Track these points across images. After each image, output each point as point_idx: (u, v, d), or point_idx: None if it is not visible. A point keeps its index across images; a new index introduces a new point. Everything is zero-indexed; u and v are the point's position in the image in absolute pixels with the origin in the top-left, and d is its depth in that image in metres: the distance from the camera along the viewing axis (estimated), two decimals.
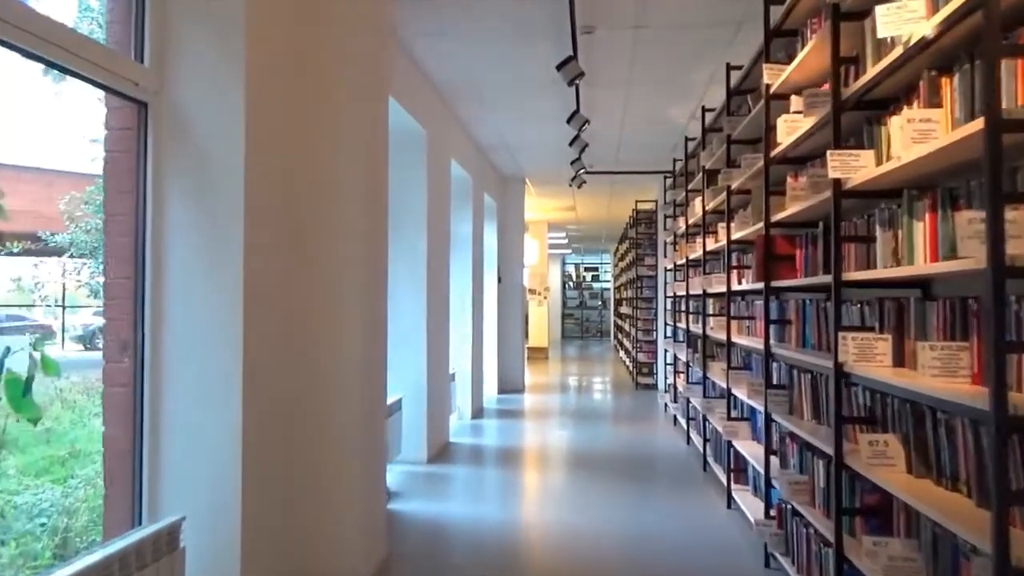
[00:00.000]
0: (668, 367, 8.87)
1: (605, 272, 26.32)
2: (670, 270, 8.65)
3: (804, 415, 3.48)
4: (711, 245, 5.79)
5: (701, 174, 5.96)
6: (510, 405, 9.48)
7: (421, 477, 5.67)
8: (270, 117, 3.20)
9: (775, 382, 3.86)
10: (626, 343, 14.57)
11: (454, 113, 7.14)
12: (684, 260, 7.11)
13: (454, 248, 8.19)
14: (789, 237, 3.76)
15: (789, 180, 3.54)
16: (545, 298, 17.15)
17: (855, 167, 2.62)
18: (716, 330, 5.33)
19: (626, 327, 14.52)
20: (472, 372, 8.32)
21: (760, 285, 3.95)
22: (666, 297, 8.92)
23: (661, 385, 10.82)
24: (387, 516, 4.59)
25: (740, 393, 4.58)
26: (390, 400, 5.53)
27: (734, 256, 4.94)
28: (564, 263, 26.13)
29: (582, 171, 8.14)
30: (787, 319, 3.80)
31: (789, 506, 3.48)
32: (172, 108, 2.94)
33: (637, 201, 11.24)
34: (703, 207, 5.89)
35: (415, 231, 6.05)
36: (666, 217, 9.00)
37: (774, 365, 3.93)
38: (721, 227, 5.18)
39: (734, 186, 4.73)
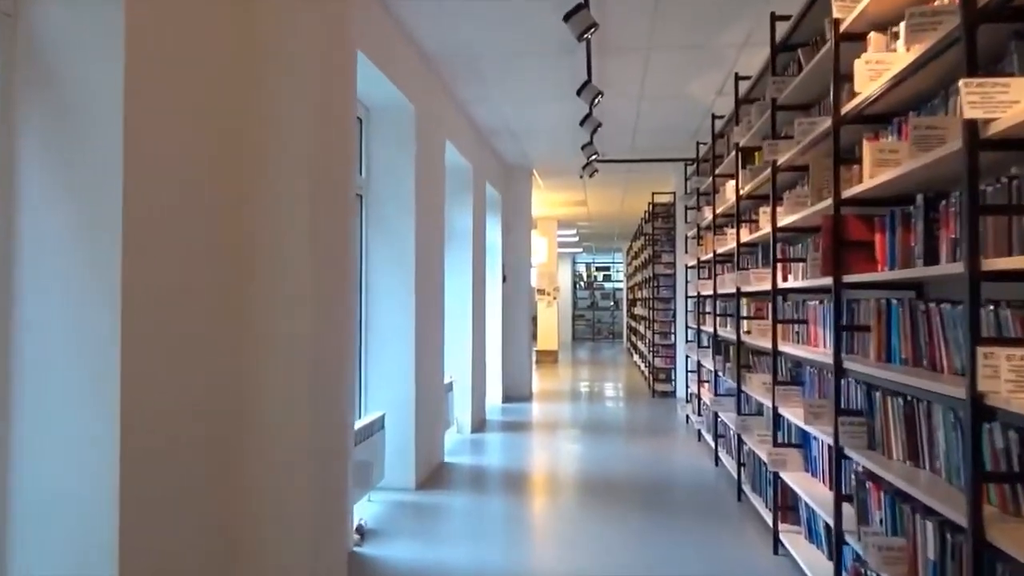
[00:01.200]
0: (690, 374, 8.01)
1: (617, 272, 25.44)
2: (692, 267, 7.79)
3: (892, 453, 2.63)
4: (747, 236, 4.94)
5: (733, 153, 5.11)
6: (516, 416, 8.64)
7: (407, 509, 4.84)
8: (167, 47, 2.37)
9: (846, 405, 3.01)
10: (640, 346, 13.71)
11: (449, 90, 6.32)
12: (710, 255, 6.25)
13: (451, 242, 7.37)
14: (865, 218, 2.90)
15: (867, 144, 2.68)
16: (554, 298, 16.31)
17: (1003, 103, 1.77)
18: (756, 336, 4.48)
19: (640, 329, 13.66)
20: (473, 381, 7.50)
21: (823, 281, 3.10)
22: (687, 297, 8.06)
23: (680, 392, 9.95)
24: (354, 563, 3.76)
25: (791, 414, 3.72)
26: (370, 418, 4.71)
27: (779, 248, 4.09)
28: (575, 262, 25.27)
29: (594, 157, 7.29)
30: (862, 325, 2.95)
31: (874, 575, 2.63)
32: (27, 25, 2.13)
33: (654, 193, 10.39)
34: (736, 192, 5.04)
35: (402, 220, 5.23)
36: (687, 209, 8.15)
37: (843, 382, 3.08)
38: (763, 212, 4.33)
39: (781, 161, 3.88)
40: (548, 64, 5.57)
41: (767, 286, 4.21)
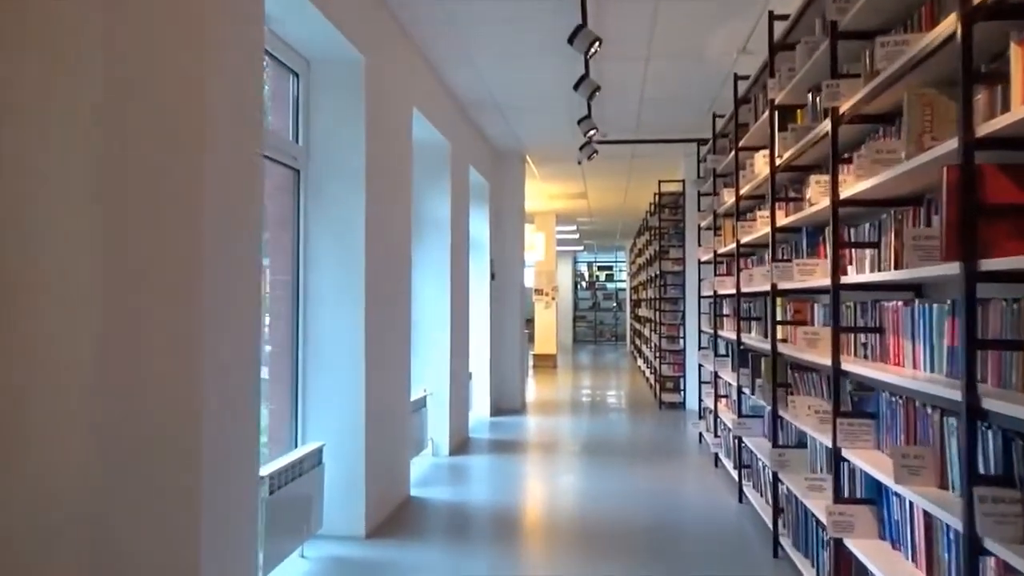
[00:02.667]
0: (704, 385, 6.94)
1: (620, 271, 24.37)
2: (707, 262, 6.72)
3: None
4: (786, 218, 3.87)
5: (766, 114, 4.03)
6: (504, 433, 7.57)
7: (351, 568, 3.78)
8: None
9: (984, 467, 1.93)
10: (645, 351, 12.63)
11: (416, 45, 5.26)
12: (732, 246, 5.19)
13: (424, 234, 6.31)
14: (1015, 169, 1.83)
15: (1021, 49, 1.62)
16: (553, 299, 15.24)
17: None
18: (801, 347, 3.40)
19: (645, 332, 12.59)
20: (452, 394, 6.43)
21: (937, 269, 2.03)
22: (700, 297, 7.00)
23: (691, 404, 8.87)
24: None
25: (860, 459, 2.66)
26: (299, 452, 3.65)
27: (843, 230, 3.02)
28: (576, 261, 24.20)
29: (592, 134, 6.23)
30: (1011, 340, 1.89)
31: None
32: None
33: (660, 182, 9.32)
34: (771, 163, 3.97)
35: (349, 202, 4.17)
36: (700, 196, 7.08)
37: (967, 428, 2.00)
38: (816, 183, 3.26)
39: (847, 106, 2.81)
40: (535, 19, 4.52)
41: (822, 281, 3.14)
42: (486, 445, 6.90)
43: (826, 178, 3.09)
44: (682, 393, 9.12)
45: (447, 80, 6.00)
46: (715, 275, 5.98)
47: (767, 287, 4.10)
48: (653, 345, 10.80)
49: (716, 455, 5.97)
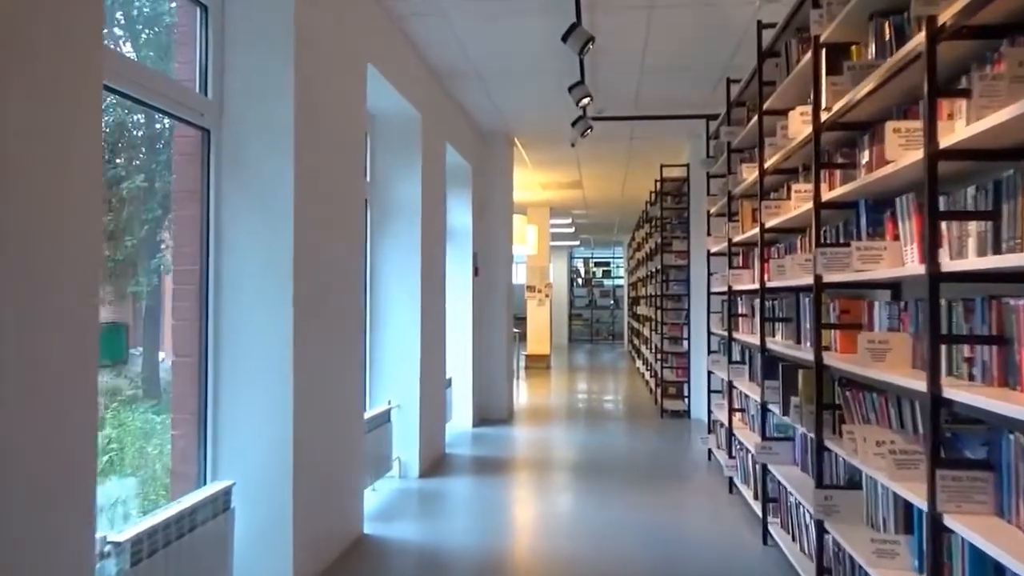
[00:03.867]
0: (714, 395, 6.06)
1: (618, 268, 23.49)
2: (718, 254, 5.84)
3: None
4: (833, 191, 2.98)
5: (812, 53, 3.12)
6: (487, 448, 6.68)
7: None
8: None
9: None
10: (644, 351, 11.75)
11: None
12: (753, 232, 4.32)
13: (388, 218, 5.43)
14: None
15: None
16: (547, 296, 14.35)
17: None
18: (864, 361, 2.50)
19: (644, 332, 11.70)
20: (422, 405, 5.54)
21: None
22: (710, 294, 6.11)
23: (697, 413, 8.00)
24: None
25: (979, 534, 1.77)
26: (191, 499, 2.76)
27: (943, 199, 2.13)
28: (572, 257, 23.31)
29: (586, 102, 5.34)
30: None
31: None
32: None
33: (663, 166, 8.43)
34: (815, 120, 3.07)
35: (272, 162, 3.27)
36: (710, 178, 6.19)
37: None
38: (894, 134, 2.37)
39: (948, 19, 1.92)
40: None
41: (895, 270, 2.26)
42: (464, 464, 6.01)
43: (910, 125, 2.20)
44: (686, 400, 8.24)
45: (415, 38, 5.10)
46: (729, 268, 5.10)
47: (805, 280, 3.21)
48: (653, 346, 9.92)
49: (731, 480, 5.08)
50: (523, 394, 10.65)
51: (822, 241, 3.11)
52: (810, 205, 3.15)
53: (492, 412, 7.98)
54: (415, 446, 5.43)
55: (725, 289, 5.32)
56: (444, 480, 5.44)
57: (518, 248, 10.85)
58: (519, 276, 17.80)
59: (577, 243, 21.66)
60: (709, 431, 6.10)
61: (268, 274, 3.26)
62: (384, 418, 5.05)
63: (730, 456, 5.09)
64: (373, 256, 5.41)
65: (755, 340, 4.31)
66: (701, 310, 7.85)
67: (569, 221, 15.71)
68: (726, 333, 5.20)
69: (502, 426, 7.65)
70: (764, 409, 4.01)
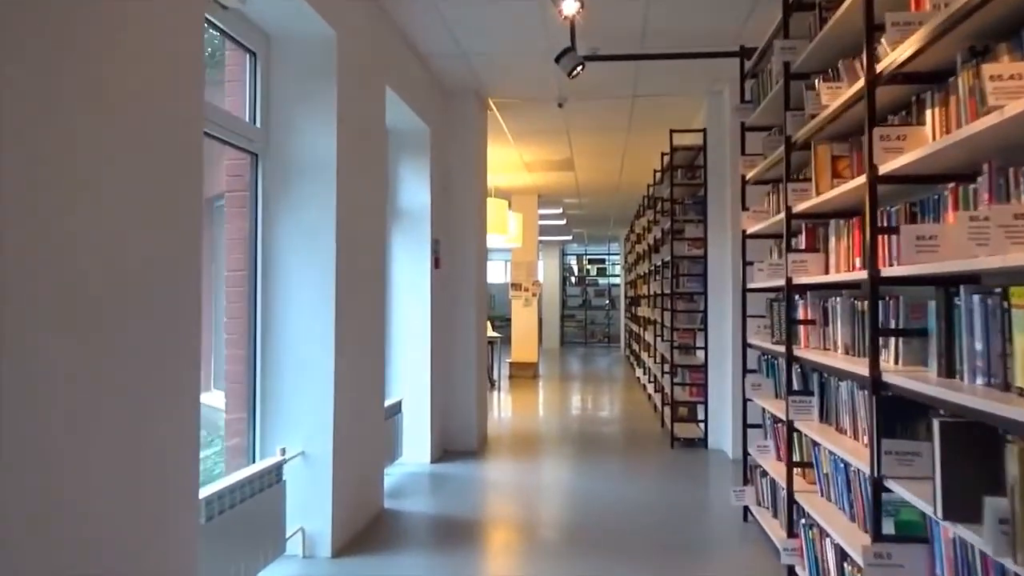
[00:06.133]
0: (751, 430, 4.38)
1: (613, 265, 21.83)
2: (761, 235, 4.19)
3: None
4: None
5: None
6: (443, 500, 5.00)
7: None
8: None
9: None
10: (646, 359, 10.06)
11: None
12: (844, 190, 2.66)
13: (286, 181, 3.75)
14: None
15: None
16: (534, 295, 12.66)
17: None
18: None
19: (646, 337, 10.02)
20: (338, 451, 3.85)
21: None
22: (746, 291, 4.42)
23: (719, 443, 6.33)
24: None
25: None
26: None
27: None
28: (564, 254, 21.63)
29: (575, 13, 3.66)
30: None
31: None
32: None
33: (673, 132, 6.74)
34: None
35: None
36: (748, 131, 4.48)
37: None
38: None
39: None
40: None
41: None
42: (404, 531, 4.32)
43: None
44: (702, 426, 6.56)
45: None
46: (788, 251, 3.42)
47: (988, 262, 1.54)
48: (658, 355, 8.24)
49: (791, 569, 3.39)
50: (503, 411, 8.97)
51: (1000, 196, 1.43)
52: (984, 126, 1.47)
53: (458, 441, 6.29)
54: (326, 511, 3.73)
55: (776, 284, 3.66)
56: (368, 563, 3.74)
57: (497, 239, 9.16)
58: (504, 273, 16.13)
59: (569, 238, 20.02)
60: (746, 480, 4.42)
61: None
62: (273, 475, 3.35)
63: (791, 534, 3.40)
64: (265, 236, 3.73)
65: (841, 364, 2.65)
66: (723, 312, 6.19)
67: (560, 211, 14.03)
68: (784, 350, 3.52)
69: (470, 461, 5.96)
70: (879, 486, 2.33)
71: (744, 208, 4.39)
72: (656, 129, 7.33)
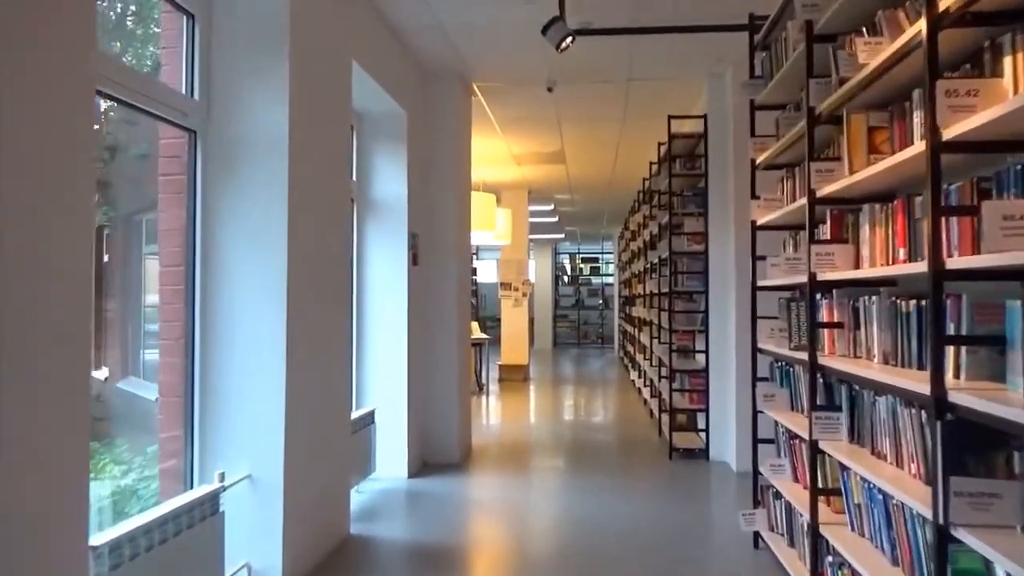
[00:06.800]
0: (762, 444, 3.89)
1: (607, 264, 21.35)
2: (774, 226, 3.72)
3: None
4: None
5: None
6: (419, 523, 4.52)
7: None
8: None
9: None
10: (641, 361, 9.59)
11: None
12: (889, 165, 2.17)
13: (230, 159, 3.26)
14: None
15: None
16: (524, 295, 12.17)
17: None
18: None
19: (642, 339, 9.53)
20: (290, 474, 3.35)
21: None
22: (756, 289, 3.94)
23: (721, 453, 5.86)
24: None
25: None
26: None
27: None
28: (556, 252, 21.13)
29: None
30: None
31: None
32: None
33: (671, 118, 6.26)
34: None
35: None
36: (758, 110, 3.99)
37: None
38: None
39: None
40: None
41: None
42: (371, 561, 3.82)
43: None
44: (703, 435, 6.08)
45: None
46: (811, 243, 2.93)
47: None
48: (655, 358, 7.77)
49: None
50: (491, 417, 8.48)
51: None
52: None
53: (439, 453, 5.79)
54: (276, 542, 3.22)
55: (795, 281, 3.18)
56: None
57: (485, 235, 8.68)
58: (492, 273, 15.62)
59: (562, 236, 19.54)
60: (756, 501, 3.94)
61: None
62: (208, 506, 2.85)
63: (816, 573, 2.92)
64: (206, 225, 3.23)
65: (885, 377, 2.18)
66: (726, 313, 5.72)
67: (552, 208, 13.56)
68: (801, 356, 3.03)
69: (451, 475, 5.47)
70: (944, 537, 1.84)
71: (754, 196, 3.90)
72: (652, 117, 6.85)
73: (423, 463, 5.68)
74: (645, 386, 8.99)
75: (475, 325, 10.74)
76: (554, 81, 5.93)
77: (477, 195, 8.04)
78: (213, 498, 2.91)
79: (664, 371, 6.72)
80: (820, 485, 2.91)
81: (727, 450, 5.75)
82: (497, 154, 8.94)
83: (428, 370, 5.79)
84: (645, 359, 9.06)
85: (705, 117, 6.03)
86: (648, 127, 7.28)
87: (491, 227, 8.72)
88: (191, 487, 3.15)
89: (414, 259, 5.49)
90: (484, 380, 10.40)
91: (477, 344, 10.14)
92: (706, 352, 6.03)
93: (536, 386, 11.44)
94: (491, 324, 15.05)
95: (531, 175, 10.67)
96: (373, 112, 5.18)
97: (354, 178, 5.17)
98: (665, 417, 6.58)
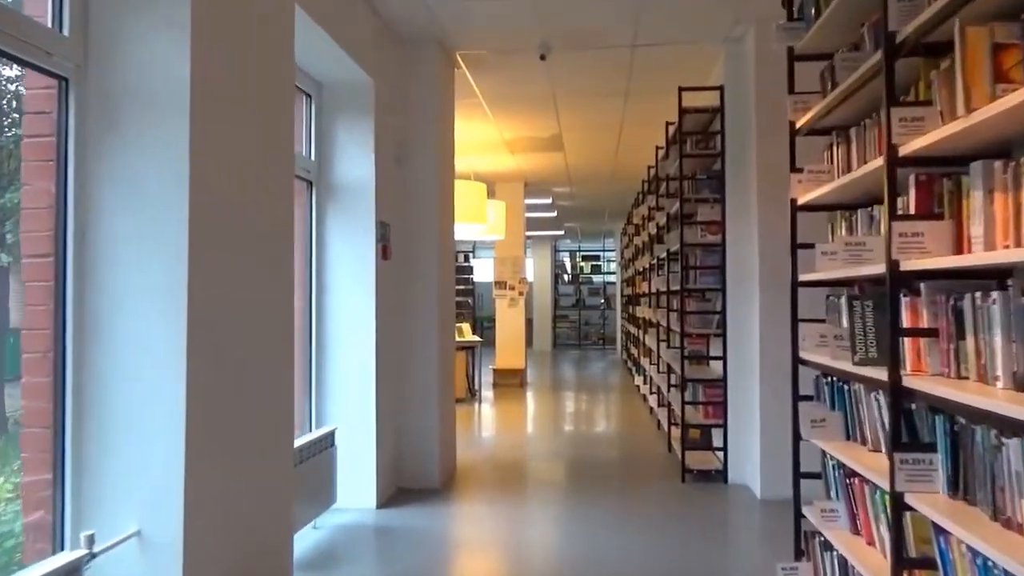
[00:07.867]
0: (807, 480, 3.11)
1: (609, 262, 20.56)
2: (814, 205, 2.94)
3: None
4: None
5: None
6: (381, 569, 3.73)
7: None
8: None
9: None
10: (647, 367, 8.79)
11: None
12: (991, 115, 1.35)
13: (118, 120, 2.46)
14: None
15: None
16: (521, 294, 11.39)
17: None
18: None
19: (647, 342, 8.73)
20: (219, 518, 2.57)
21: None
22: (796, 285, 3.14)
23: (741, 475, 5.07)
24: None
25: None
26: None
27: None
28: (556, 250, 20.34)
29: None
30: None
31: None
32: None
33: (682, 90, 5.46)
34: None
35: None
36: (795, 59, 3.21)
37: None
38: None
39: None
40: None
41: None
42: None
43: None
44: (721, 454, 5.29)
45: None
46: (892, 220, 2.14)
47: None
48: (663, 364, 6.97)
49: None
50: (482, 429, 7.70)
51: None
52: None
53: (415, 477, 5.01)
54: None
55: (863, 272, 2.40)
56: None
57: (475, 228, 7.90)
58: (487, 272, 14.82)
59: (561, 233, 18.75)
60: (799, 552, 3.14)
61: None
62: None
63: None
64: (80, 202, 2.45)
65: (1017, 411, 1.39)
66: (748, 314, 4.92)
67: (550, 201, 12.76)
68: (876, 374, 2.24)
69: (429, 504, 4.68)
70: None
71: (794, 169, 3.11)
72: (659, 93, 6.05)
73: (396, 490, 4.90)
74: (652, 393, 8.20)
75: (466, 327, 9.98)
76: (548, 47, 5.15)
77: (466, 183, 7.26)
78: (73, 570, 2.13)
79: (674, 379, 5.94)
80: (910, 550, 2.12)
81: (749, 473, 4.96)
82: (488, 140, 8.16)
83: (402, 381, 5.01)
84: (651, 364, 8.27)
85: (722, 88, 5.24)
86: (655, 104, 6.48)
87: (482, 219, 7.92)
88: (62, 548, 2.38)
89: (384, 252, 4.71)
90: (477, 386, 9.63)
91: (468, 347, 9.38)
92: (723, 359, 5.24)
93: (533, 392, 10.65)
94: (488, 325, 14.30)
95: (527, 165, 9.89)
96: (334, 80, 4.41)
97: (312, 157, 4.40)
98: (675, 431, 5.79)
